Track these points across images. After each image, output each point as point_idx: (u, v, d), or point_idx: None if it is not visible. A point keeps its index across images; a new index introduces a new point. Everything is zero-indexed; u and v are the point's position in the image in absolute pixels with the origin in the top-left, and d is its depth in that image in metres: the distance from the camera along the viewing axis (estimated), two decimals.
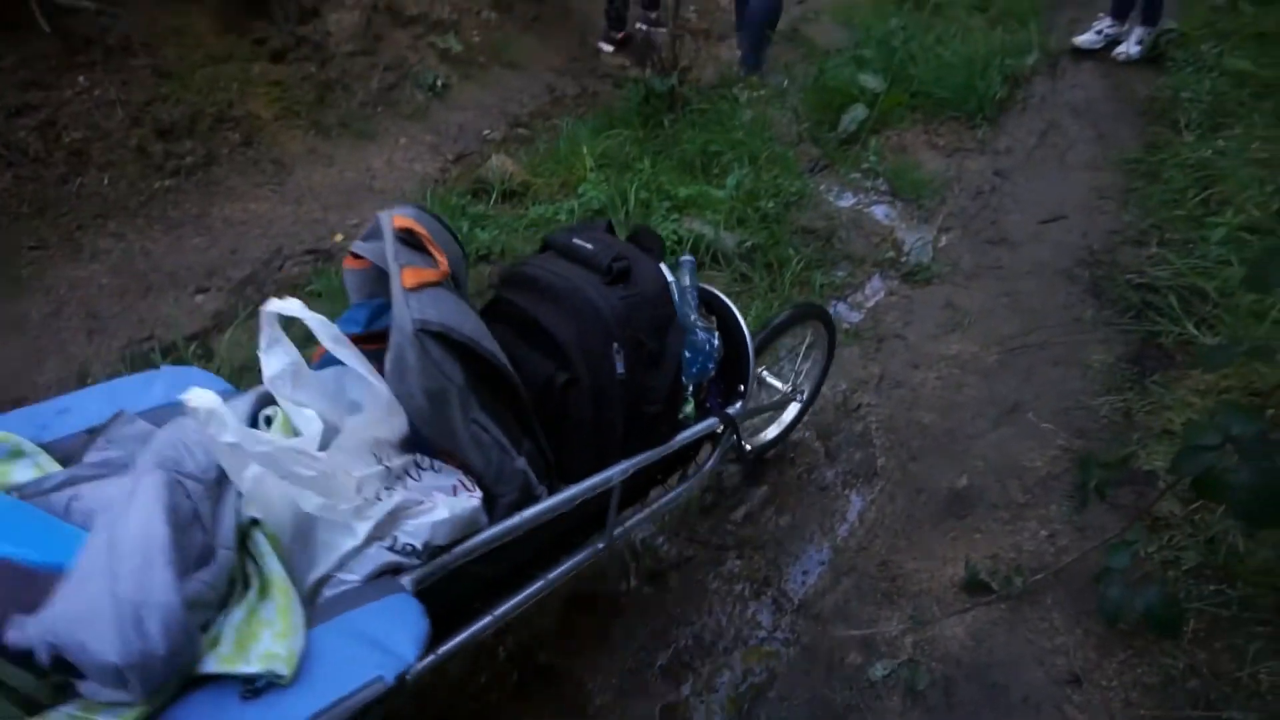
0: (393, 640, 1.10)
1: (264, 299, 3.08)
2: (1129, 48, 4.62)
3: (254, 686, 0.99)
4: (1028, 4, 5.25)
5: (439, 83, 4.37)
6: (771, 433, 2.42)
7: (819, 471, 2.45)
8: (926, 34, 4.68)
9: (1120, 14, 4.72)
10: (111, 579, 0.92)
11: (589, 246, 1.56)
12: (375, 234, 1.45)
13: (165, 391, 1.44)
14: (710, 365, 1.80)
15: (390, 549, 1.22)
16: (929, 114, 4.20)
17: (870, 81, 4.11)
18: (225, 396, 1.24)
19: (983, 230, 3.43)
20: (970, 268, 3.20)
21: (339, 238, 3.44)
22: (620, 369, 1.48)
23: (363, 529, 1.19)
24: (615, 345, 1.47)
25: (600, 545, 1.74)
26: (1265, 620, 1.83)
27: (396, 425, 1.28)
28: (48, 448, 1.26)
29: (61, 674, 0.92)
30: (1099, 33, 4.78)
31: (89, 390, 1.43)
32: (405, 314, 1.24)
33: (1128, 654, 1.85)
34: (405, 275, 1.29)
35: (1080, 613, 1.94)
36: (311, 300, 3.04)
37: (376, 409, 1.25)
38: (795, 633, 2.02)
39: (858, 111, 3.96)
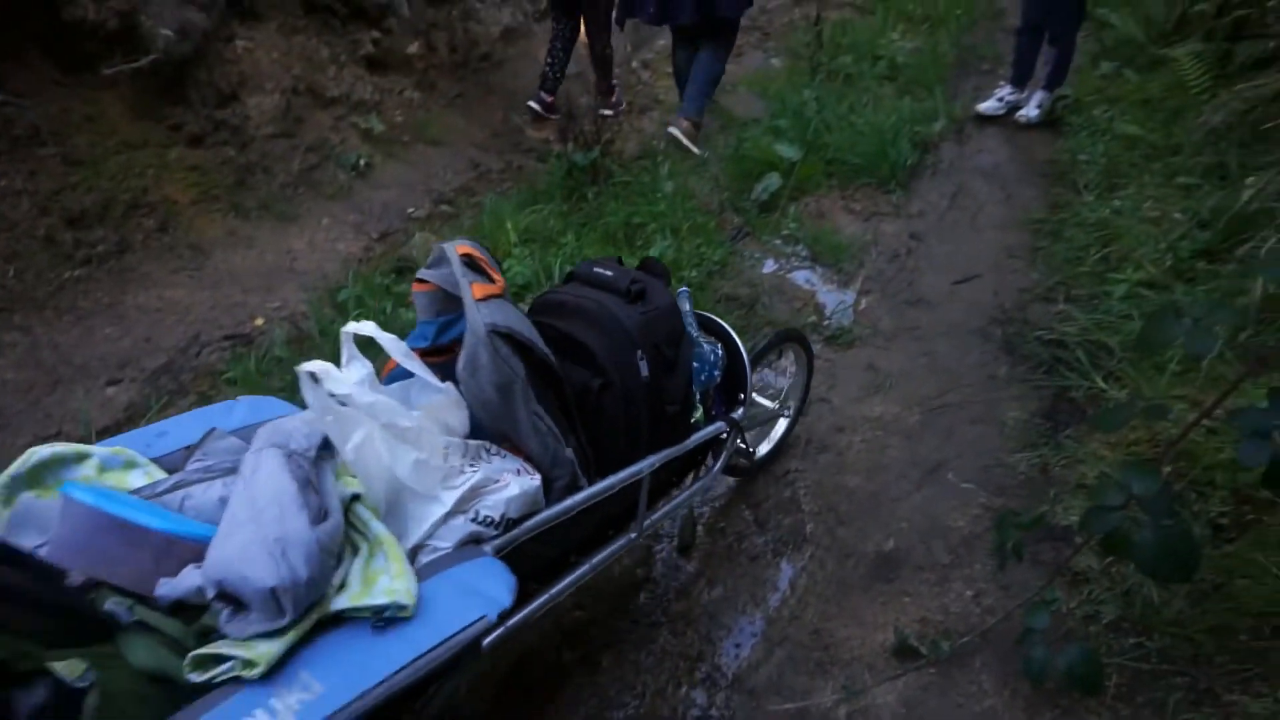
0: (490, 588, 1.31)
1: (180, 388, 3.05)
2: (1029, 111, 4.86)
3: (383, 618, 1.18)
4: (933, 73, 5.51)
5: (362, 162, 4.39)
6: (766, 448, 2.65)
7: (749, 540, 2.45)
8: (839, 103, 4.86)
9: (1019, 82, 4.99)
10: (257, 525, 1.13)
11: (608, 274, 1.83)
12: (438, 262, 1.70)
13: (246, 415, 1.63)
14: (716, 373, 2.10)
15: (473, 520, 1.44)
16: (845, 180, 4.34)
17: (787, 150, 4.24)
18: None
19: (900, 292, 3.52)
20: (890, 329, 3.28)
21: (259, 321, 3.39)
22: (645, 373, 1.73)
23: (449, 498, 1.40)
24: (639, 353, 1.72)
25: (634, 535, 1.94)
26: (1182, 671, 1.87)
27: (461, 418, 1.53)
28: (153, 462, 1.46)
29: (225, 604, 1.10)
30: (1000, 100, 5.03)
31: (181, 416, 1.63)
32: (478, 319, 1.49)
33: (1055, 713, 1.86)
34: (474, 289, 1.53)
35: (1008, 674, 1.96)
36: (228, 388, 2.99)
37: (445, 402, 1.51)
38: (730, 709, 2.00)
39: (772, 180, 4.08)
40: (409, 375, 1.54)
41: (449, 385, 1.52)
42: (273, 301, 3.50)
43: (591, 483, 1.69)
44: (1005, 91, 5.03)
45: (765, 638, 2.16)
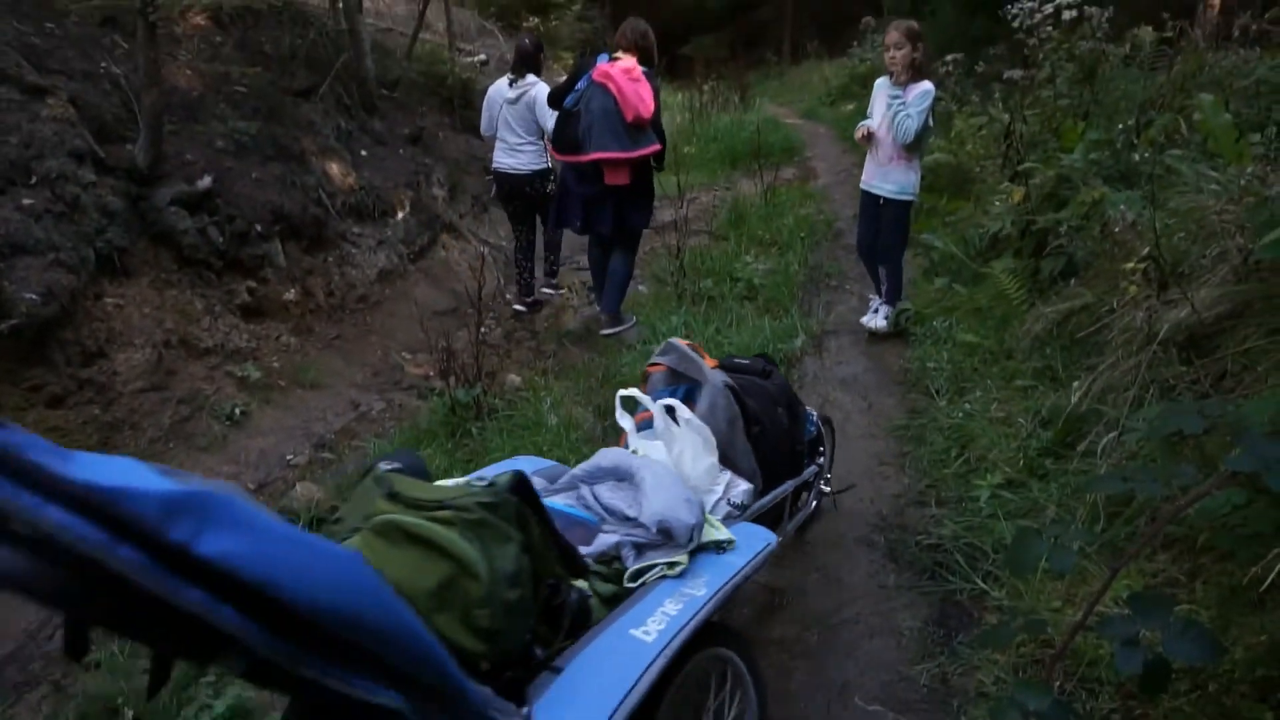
0: (761, 533, 2.07)
1: (28, 680, 2.76)
2: (878, 321, 5.30)
3: (721, 547, 1.92)
4: (786, 292, 5.99)
5: (237, 411, 4.31)
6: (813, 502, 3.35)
7: None
8: (706, 325, 5.19)
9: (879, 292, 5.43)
10: (669, 493, 1.90)
11: (745, 362, 2.83)
12: (665, 352, 2.64)
13: (529, 466, 2.27)
14: (812, 428, 2.98)
15: (729, 504, 2.24)
16: None
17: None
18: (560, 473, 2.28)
19: None
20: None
21: None
22: (784, 422, 2.64)
23: (719, 490, 2.24)
24: (780, 409, 2.64)
25: (780, 536, 2.43)
26: None
27: (713, 444, 2.34)
28: None
29: (661, 537, 1.85)
30: (876, 310, 5.43)
31: (486, 469, 2.25)
32: (717, 379, 2.44)
33: None
34: (707, 360, 2.54)
35: None
36: (91, 672, 2.73)
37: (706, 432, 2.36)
38: None
39: None
40: (649, 426, 2.38)
41: (704, 425, 2.30)
42: None
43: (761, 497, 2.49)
44: (878, 303, 5.45)
45: None
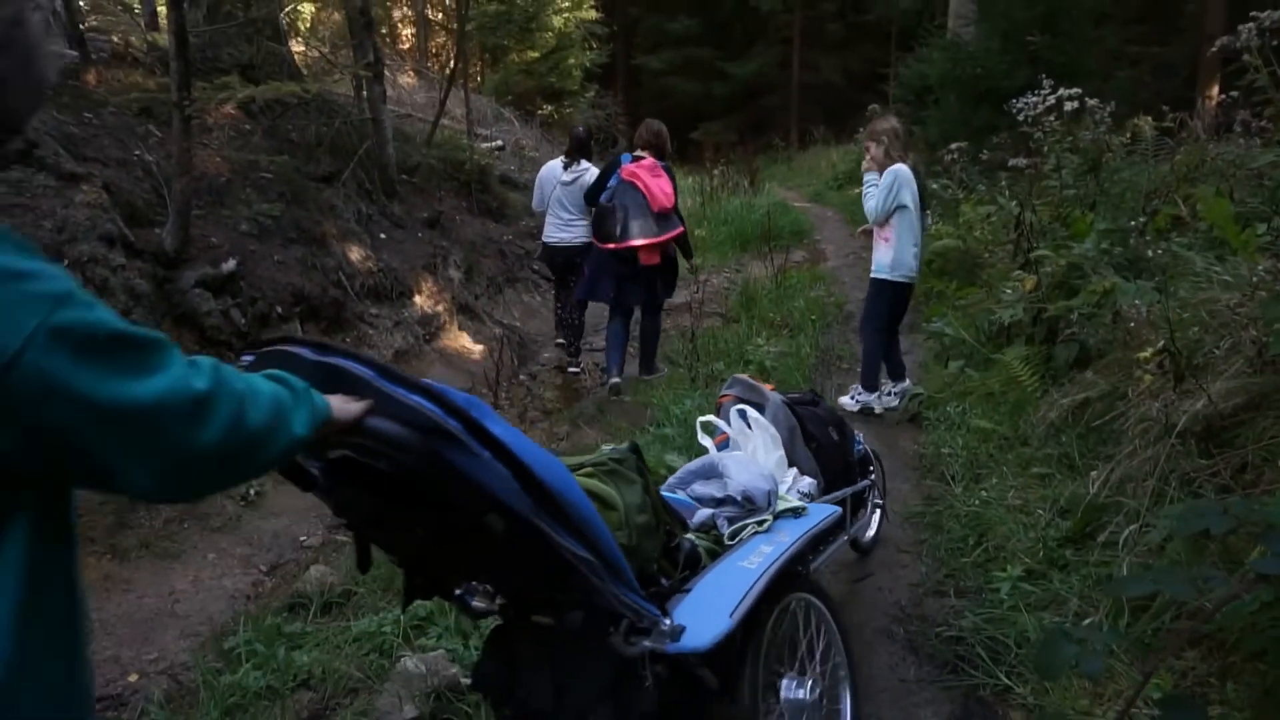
0: (829, 507, 2.55)
1: None
2: (847, 399, 5.35)
3: (797, 513, 2.42)
4: (799, 374, 6.01)
5: (252, 492, 4.32)
6: (871, 532, 3.71)
7: None
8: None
9: (895, 376, 5.46)
10: (746, 471, 2.42)
11: (796, 395, 3.28)
12: (731, 385, 3.21)
13: None
14: (860, 446, 3.38)
15: (799, 493, 2.67)
16: None
17: (677, 460, 4.44)
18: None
19: None
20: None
21: (134, 678, 3.12)
22: (835, 437, 3.10)
23: (788, 481, 2.70)
24: (830, 428, 3.11)
25: (845, 536, 3.04)
26: None
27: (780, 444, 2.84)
28: None
29: (740, 507, 2.35)
30: (890, 393, 5.42)
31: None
32: (777, 399, 3.01)
33: None
34: (769, 387, 3.14)
35: None
36: None
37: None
38: None
39: None
40: (727, 446, 2.92)
41: (769, 425, 2.83)
42: (149, 653, 3.25)
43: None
44: (892, 386, 5.46)
45: None
